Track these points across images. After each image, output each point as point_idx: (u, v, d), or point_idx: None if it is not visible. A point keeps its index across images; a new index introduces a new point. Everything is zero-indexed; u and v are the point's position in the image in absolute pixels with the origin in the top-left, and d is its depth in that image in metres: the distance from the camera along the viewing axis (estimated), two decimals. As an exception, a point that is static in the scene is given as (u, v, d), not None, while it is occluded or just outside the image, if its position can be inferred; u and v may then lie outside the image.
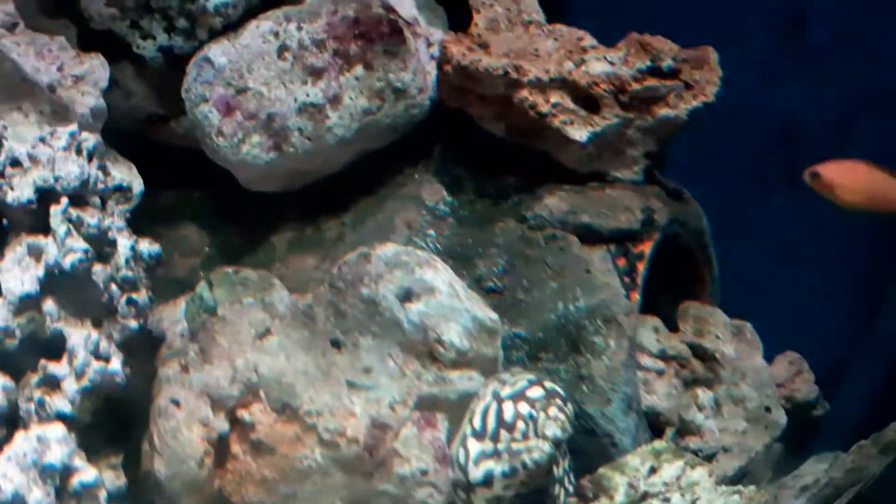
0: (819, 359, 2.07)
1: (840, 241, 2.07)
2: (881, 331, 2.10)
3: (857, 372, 2.09)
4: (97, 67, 1.76)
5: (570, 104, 1.81)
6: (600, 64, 1.82)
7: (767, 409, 1.84)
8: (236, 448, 1.56)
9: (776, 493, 1.71)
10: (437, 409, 1.53)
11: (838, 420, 2.04)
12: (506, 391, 1.47)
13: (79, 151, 1.59)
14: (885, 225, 1.97)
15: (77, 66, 1.74)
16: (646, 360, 1.82)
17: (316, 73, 1.78)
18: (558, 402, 1.46)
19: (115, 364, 1.55)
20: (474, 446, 1.45)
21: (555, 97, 1.80)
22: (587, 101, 1.82)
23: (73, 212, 1.54)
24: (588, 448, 1.63)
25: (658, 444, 1.54)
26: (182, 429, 1.55)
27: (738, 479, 1.77)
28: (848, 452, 1.72)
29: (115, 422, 1.62)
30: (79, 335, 1.53)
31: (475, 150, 1.89)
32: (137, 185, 1.83)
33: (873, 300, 2.16)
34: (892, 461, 1.66)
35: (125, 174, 1.76)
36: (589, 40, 1.88)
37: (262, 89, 1.79)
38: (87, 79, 1.74)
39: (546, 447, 1.42)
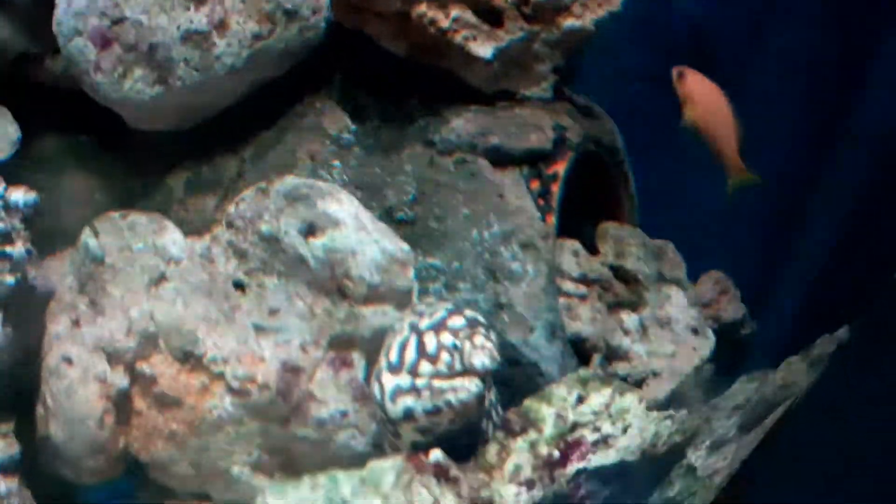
0: (744, 277, 2.09)
1: (760, 155, 2.07)
2: (805, 246, 2.13)
3: (783, 289, 2.11)
4: (-47, 5, 1.69)
5: (471, 18, 1.74)
6: (498, -27, 1.77)
7: (695, 331, 1.84)
8: (140, 403, 1.51)
9: (708, 414, 1.71)
10: (352, 348, 1.48)
11: (766, 338, 2.07)
12: (424, 322, 1.40)
13: (-68, 94, 1.48)
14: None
15: (-71, 6, 1.66)
16: (567, 285, 1.79)
17: (198, -3, 1.70)
18: (482, 330, 1.39)
19: None
20: (389, 381, 1.38)
21: (455, 10, 1.73)
22: (489, 14, 1.76)
23: (-71, 162, 1.42)
24: (514, 379, 1.59)
25: (584, 371, 1.52)
26: (77, 387, 1.50)
27: (669, 403, 1.77)
28: (777, 369, 1.73)
29: (2, 387, 1.55)
30: (-51, 295, 1.44)
31: (377, 74, 1.83)
32: (13, 132, 1.76)
33: (796, 215, 2.18)
34: (820, 375, 1.68)
35: None
36: (481, -53, 1.82)
37: (141, 18, 1.70)
38: None
39: (473, 386, 1.35)
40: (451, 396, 1.35)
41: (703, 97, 1.81)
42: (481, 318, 1.41)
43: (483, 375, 1.36)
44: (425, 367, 1.36)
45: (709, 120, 1.81)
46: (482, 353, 1.35)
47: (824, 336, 1.67)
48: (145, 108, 1.74)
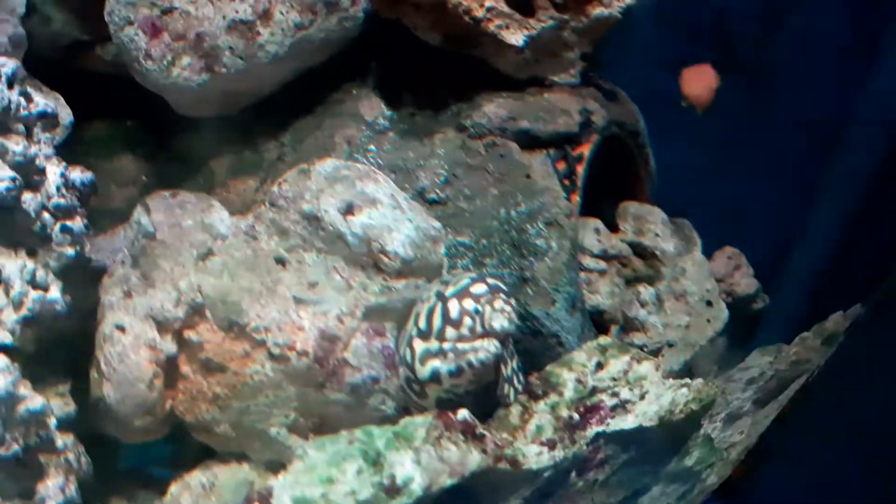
0: (757, 252, 2.12)
1: (775, 133, 2.10)
2: (819, 223, 2.15)
3: (795, 264, 2.14)
4: (11, -8, 1.72)
5: (504, 7, 1.79)
6: (531, -36, 1.79)
7: (709, 304, 1.88)
8: (186, 368, 1.57)
9: (724, 386, 1.76)
10: (385, 319, 1.54)
11: (778, 312, 2.09)
12: (449, 290, 1.48)
13: (-4, 78, 1.54)
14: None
15: (-11, -7, 1.71)
16: (588, 261, 1.85)
17: (244, -12, 1.74)
18: (502, 295, 1.46)
19: (54, 292, 1.54)
20: (419, 346, 1.46)
21: (489, 1, 1.78)
22: (522, 3, 1.81)
23: (-4, 139, 1.50)
24: (535, 348, 1.65)
25: (603, 339, 1.56)
26: (129, 353, 1.56)
27: (683, 373, 1.81)
28: (791, 344, 1.77)
29: (61, 351, 1.61)
30: (14, 265, 1.51)
31: (412, 62, 1.88)
32: (66, 116, 1.79)
33: (809, 192, 2.21)
34: (834, 352, 1.71)
35: (51, 103, 1.71)
36: (516, -62, 1.85)
37: (189, 8, 1.75)
38: (1, 5, 1.70)
39: (491, 347, 1.43)
40: (471, 357, 1.43)
41: (694, 79, 1.88)
42: (503, 286, 1.48)
43: (502, 337, 1.43)
44: (450, 332, 1.44)
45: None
46: (501, 317, 1.42)
47: (838, 312, 1.70)
48: (192, 95, 1.79)
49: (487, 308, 1.43)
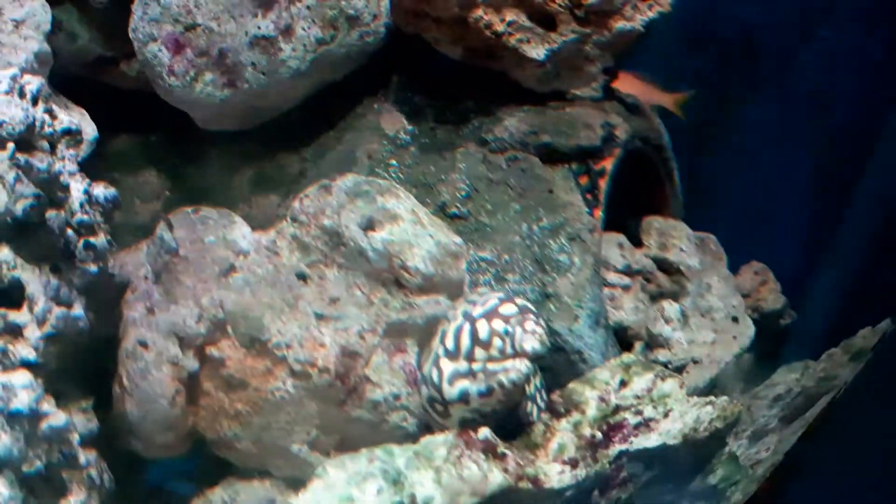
0: (784, 267, 2.10)
1: (801, 150, 2.09)
2: (846, 238, 2.13)
3: (822, 279, 2.12)
4: (38, 10, 1.75)
5: (525, 22, 1.79)
6: (555, -22, 1.80)
7: (735, 320, 1.86)
8: (208, 385, 1.57)
9: (749, 403, 1.74)
10: (406, 335, 1.53)
11: (806, 328, 2.08)
12: (477, 310, 1.46)
13: (22, 95, 1.55)
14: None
15: (16, 10, 1.73)
16: (611, 276, 1.84)
17: (266, 4, 1.77)
18: (532, 316, 1.44)
19: (78, 309, 1.55)
20: (448, 366, 1.44)
21: (510, 15, 1.78)
22: (543, 18, 1.80)
23: (21, 157, 1.50)
24: (558, 365, 1.64)
25: (626, 357, 1.55)
26: (151, 369, 1.57)
27: (709, 390, 1.79)
28: (818, 361, 1.75)
29: (83, 367, 1.61)
30: (37, 282, 1.51)
31: (433, 77, 1.89)
32: (91, 131, 1.82)
33: (836, 207, 2.19)
34: (862, 368, 1.69)
35: (76, 119, 1.74)
36: (540, -47, 1.85)
37: (212, 24, 1.77)
38: (27, 22, 1.73)
39: (523, 367, 1.40)
40: (502, 377, 1.41)
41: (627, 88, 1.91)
42: (531, 307, 1.46)
43: (533, 359, 1.41)
44: (479, 352, 1.42)
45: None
46: (533, 338, 1.40)
47: (866, 328, 1.68)
48: (214, 110, 1.81)
49: (518, 329, 1.41)
